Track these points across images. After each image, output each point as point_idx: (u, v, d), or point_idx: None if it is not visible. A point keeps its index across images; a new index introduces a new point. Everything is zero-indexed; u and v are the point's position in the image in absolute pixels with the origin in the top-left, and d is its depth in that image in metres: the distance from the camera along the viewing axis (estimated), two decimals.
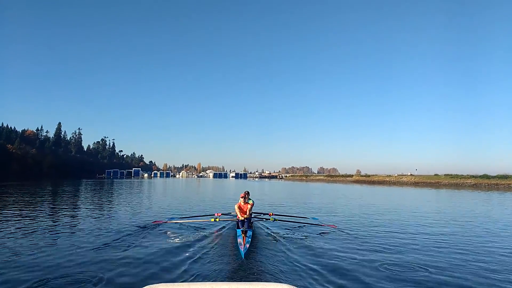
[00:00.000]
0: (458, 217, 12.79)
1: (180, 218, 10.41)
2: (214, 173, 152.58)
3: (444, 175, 63.13)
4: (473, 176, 56.97)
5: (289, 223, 9.60)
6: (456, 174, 60.72)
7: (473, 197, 26.08)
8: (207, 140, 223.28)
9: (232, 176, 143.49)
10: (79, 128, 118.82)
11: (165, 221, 9.65)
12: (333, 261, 5.74)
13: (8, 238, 7.31)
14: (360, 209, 15.32)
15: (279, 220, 9.49)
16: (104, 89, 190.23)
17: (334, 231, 8.80)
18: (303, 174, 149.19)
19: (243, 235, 6.54)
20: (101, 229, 8.59)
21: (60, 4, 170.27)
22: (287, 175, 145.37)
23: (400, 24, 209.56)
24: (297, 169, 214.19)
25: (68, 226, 9.08)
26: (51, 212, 12.14)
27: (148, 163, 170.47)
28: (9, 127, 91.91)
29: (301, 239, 7.67)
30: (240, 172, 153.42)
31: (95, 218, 10.80)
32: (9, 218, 10.25)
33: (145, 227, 8.81)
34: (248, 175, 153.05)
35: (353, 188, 42.11)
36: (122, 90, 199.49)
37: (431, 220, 11.72)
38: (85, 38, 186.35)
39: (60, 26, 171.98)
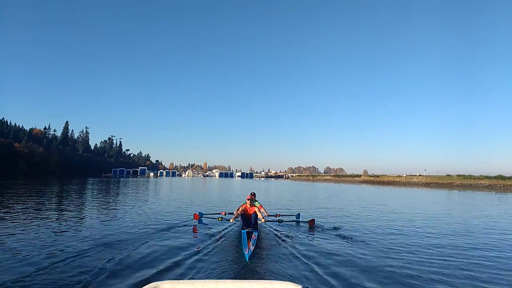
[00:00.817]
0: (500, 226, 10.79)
1: (182, 221, 9.92)
2: (220, 173, 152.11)
3: (457, 175, 61.36)
4: (487, 177, 55.22)
5: (296, 226, 9.44)
6: (470, 175, 58.84)
7: (496, 200, 24.52)
8: (214, 140, 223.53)
9: (238, 176, 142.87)
10: (86, 127, 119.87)
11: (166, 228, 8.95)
12: (342, 266, 5.43)
13: (13, 236, 7.33)
14: (376, 211, 14.14)
15: (286, 221, 9.31)
16: (111, 88, 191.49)
17: (344, 235, 8.26)
18: (310, 174, 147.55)
19: (247, 236, 6.44)
20: (104, 229, 8.49)
21: (68, 4, 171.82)
22: (294, 175, 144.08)
23: (407, 25, 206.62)
24: (304, 169, 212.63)
25: (72, 224, 9.02)
26: (56, 211, 11.93)
27: (154, 162, 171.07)
28: (17, 125, 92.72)
29: (307, 241, 7.40)
30: (246, 172, 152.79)
31: (96, 217, 10.58)
32: (15, 216, 10.23)
33: (151, 227, 8.69)
34: (254, 174, 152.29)
35: (364, 189, 40.61)
36: (129, 90, 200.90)
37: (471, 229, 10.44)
38: (93, 38, 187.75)
39: (69, 26, 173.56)
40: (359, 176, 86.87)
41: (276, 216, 9.52)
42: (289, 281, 1.91)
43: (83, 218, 10.30)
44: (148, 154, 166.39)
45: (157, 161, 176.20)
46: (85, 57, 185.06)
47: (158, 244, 6.69)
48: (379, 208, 15.65)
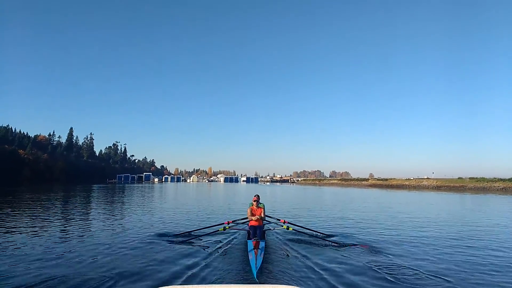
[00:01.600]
0: None
1: (186, 231, 8.82)
2: (225, 178, 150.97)
3: (469, 178, 59.46)
4: (501, 180, 53.41)
5: (306, 235, 8.23)
6: (483, 178, 56.99)
7: None
8: (219, 145, 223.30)
9: (243, 181, 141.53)
10: (91, 133, 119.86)
11: (169, 238, 8.06)
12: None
13: (20, 243, 7.29)
14: (398, 221, 12.34)
15: (293, 230, 8.12)
16: (116, 94, 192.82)
17: (363, 251, 6.87)
18: (316, 178, 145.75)
19: (254, 248, 5.86)
20: (107, 236, 8.32)
21: (69, 9, 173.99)
22: (299, 179, 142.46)
23: (414, 26, 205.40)
24: (309, 173, 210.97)
25: (74, 231, 8.90)
26: (57, 218, 11.69)
27: (159, 167, 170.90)
28: (21, 132, 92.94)
29: (319, 255, 6.44)
30: (251, 176, 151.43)
31: (101, 224, 10.41)
32: (18, 224, 10.15)
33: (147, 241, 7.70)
34: (259, 179, 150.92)
35: (377, 194, 37.47)
36: (134, 95, 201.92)
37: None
38: (97, 44, 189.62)
39: (72, 31, 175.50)
40: (367, 179, 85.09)
41: (282, 222, 8.77)
42: (295, 285, 1.67)
43: (87, 225, 10.13)
44: (153, 159, 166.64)
45: (162, 166, 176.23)
46: (89, 62, 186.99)
47: (159, 253, 6.49)
48: (419, 219, 12.87)
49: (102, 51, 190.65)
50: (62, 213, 13.60)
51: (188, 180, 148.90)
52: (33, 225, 9.91)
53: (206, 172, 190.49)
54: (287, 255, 6.51)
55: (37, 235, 8.29)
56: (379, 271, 5.35)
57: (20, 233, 8.44)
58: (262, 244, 6.18)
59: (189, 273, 5.22)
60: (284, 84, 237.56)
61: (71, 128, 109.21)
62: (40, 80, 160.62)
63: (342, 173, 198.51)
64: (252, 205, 7.85)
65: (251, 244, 6.14)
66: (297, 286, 1.23)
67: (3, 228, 9.15)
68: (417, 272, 5.29)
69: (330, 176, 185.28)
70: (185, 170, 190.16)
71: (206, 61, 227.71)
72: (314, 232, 8.47)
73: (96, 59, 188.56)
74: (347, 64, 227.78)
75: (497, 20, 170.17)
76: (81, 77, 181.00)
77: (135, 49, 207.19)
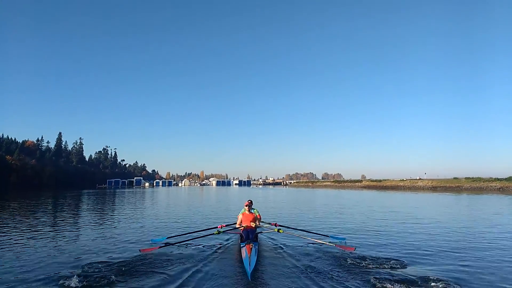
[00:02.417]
0: None
1: (177, 235, 8.56)
2: (217, 181, 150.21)
3: (465, 178, 59.43)
4: (498, 179, 53.64)
5: (299, 237, 8.09)
6: (479, 177, 57.08)
7: None
8: (210, 148, 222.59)
9: (236, 184, 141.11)
10: (80, 138, 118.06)
11: (157, 246, 7.36)
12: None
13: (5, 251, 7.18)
14: (392, 223, 12.58)
15: (285, 232, 8.11)
16: (105, 98, 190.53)
17: (354, 252, 6.63)
18: (309, 180, 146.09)
19: (248, 250, 5.89)
20: (96, 244, 7.95)
21: (57, 15, 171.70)
22: (292, 182, 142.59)
23: (410, 28, 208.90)
24: (301, 175, 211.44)
25: (59, 240, 8.59)
26: (41, 227, 11.05)
27: (151, 172, 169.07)
28: (9, 138, 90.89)
29: (310, 256, 6.61)
30: (244, 180, 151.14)
31: (88, 232, 10.00)
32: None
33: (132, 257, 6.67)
34: (252, 182, 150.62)
35: (372, 196, 35.64)
36: (124, 99, 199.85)
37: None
38: (87, 49, 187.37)
39: (62, 37, 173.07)
40: (360, 181, 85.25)
41: (273, 225, 8.66)
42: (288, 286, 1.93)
43: (75, 232, 9.93)
44: (144, 164, 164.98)
45: (153, 170, 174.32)
46: (78, 67, 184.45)
47: (151, 258, 6.36)
48: (423, 220, 12.55)
49: (92, 56, 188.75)
50: (46, 221, 12.84)
51: (180, 184, 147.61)
52: (15, 234, 9.37)
53: (198, 175, 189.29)
54: (280, 257, 6.58)
55: (18, 244, 7.95)
56: (367, 271, 5.44)
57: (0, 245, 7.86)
58: (255, 247, 6.22)
59: (183, 277, 5.20)
60: (276, 87, 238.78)
61: (60, 133, 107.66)
62: (28, 86, 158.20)
63: (335, 175, 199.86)
64: (244, 211, 7.88)
65: (244, 247, 6.19)
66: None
67: None
68: (408, 275, 5.29)
69: (322, 178, 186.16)
70: (177, 174, 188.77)
71: (197, 67, 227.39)
72: (306, 233, 8.46)
73: (85, 64, 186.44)
74: (340, 66, 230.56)
75: (497, 20, 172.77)
76: (70, 83, 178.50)
77: (126, 54, 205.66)
